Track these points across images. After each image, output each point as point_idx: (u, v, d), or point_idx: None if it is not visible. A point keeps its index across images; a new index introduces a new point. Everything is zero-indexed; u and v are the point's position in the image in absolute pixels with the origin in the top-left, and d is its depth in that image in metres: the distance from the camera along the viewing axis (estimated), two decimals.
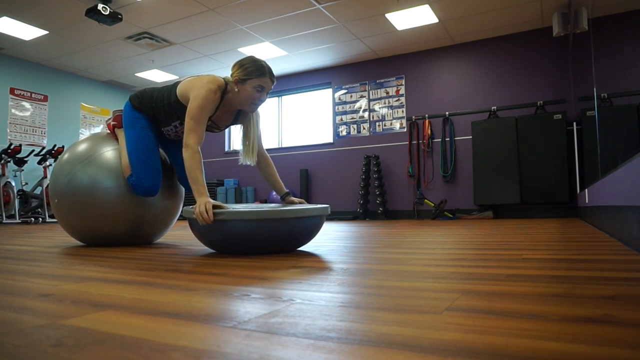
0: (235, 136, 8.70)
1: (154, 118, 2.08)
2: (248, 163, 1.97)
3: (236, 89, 1.86)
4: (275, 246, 1.62)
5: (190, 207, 1.73)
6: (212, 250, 1.79)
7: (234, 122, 2.07)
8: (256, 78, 1.82)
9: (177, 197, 2.28)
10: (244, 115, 2.00)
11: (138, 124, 2.06)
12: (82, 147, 2.13)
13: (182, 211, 1.71)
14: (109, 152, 2.10)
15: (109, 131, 2.25)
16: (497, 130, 6.05)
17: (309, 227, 1.67)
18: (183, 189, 2.34)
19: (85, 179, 2.02)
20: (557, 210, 5.91)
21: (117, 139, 2.19)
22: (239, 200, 7.93)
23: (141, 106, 2.07)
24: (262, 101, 1.89)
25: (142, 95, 2.09)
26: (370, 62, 7.31)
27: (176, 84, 2.00)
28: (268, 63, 1.93)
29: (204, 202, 1.58)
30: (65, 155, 2.13)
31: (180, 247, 1.99)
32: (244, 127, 2.00)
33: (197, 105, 1.80)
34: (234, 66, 1.87)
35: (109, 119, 2.31)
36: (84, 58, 7.14)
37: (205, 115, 1.81)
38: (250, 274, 1.14)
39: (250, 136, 1.97)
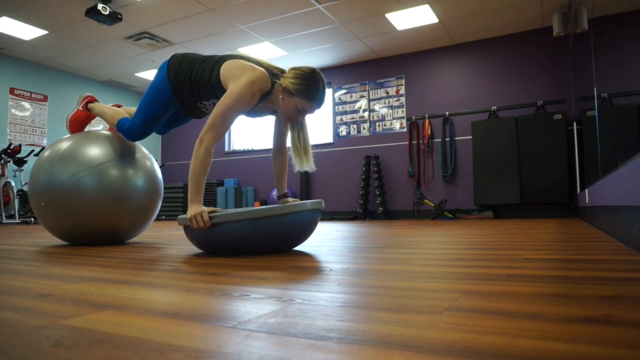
0: (235, 136, 8.70)
1: (189, 92, 1.92)
2: (305, 169, 1.81)
3: (280, 96, 1.75)
4: (272, 245, 1.63)
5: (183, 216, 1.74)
6: None
7: (272, 114, 1.97)
8: (303, 100, 1.71)
9: (156, 196, 2.28)
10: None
11: (163, 95, 1.96)
12: (62, 144, 2.13)
13: (178, 219, 1.72)
14: (89, 149, 2.10)
15: (73, 122, 2.29)
16: (497, 130, 6.04)
17: (304, 223, 1.68)
18: (162, 188, 2.35)
19: (64, 176, 2.02)
20: (557, 210, 5.91)
21: (94, 116, 2.28)
22: (239, 200, 7.93)
23: (176, 80, 1.91)
24: (298, 121, 1.79)
25: (180, 66, 1.91)
26: (370, 62, 7.31)
27: (220, 60, 1.82)
28: (325, 83, 1.76)
29: (198, 211, 1.57)
30: (46, 153, 2.13)
31: (179, 248, 1.99)
32: (291, 127, 1.83)
33: (229, 104, 1.67)
34: (290, 70, 1.76)
35: (76, 107, 2.34)
36: (84, 58, 7.14)
37: (234, 115, 1.72)
38: (250, 274, 1.14)
39: (303, 137, 1.81)
